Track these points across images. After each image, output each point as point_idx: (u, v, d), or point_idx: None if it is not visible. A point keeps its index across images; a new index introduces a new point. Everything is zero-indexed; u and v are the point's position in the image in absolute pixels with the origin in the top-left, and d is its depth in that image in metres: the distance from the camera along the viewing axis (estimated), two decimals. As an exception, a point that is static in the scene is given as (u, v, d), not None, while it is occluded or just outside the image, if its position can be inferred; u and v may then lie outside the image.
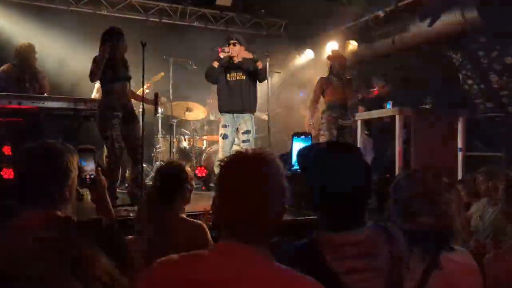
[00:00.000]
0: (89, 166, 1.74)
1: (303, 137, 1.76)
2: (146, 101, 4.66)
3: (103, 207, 1.77)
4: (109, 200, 1.82)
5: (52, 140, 1.63)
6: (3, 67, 5.04)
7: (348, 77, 5.74)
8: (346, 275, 1.25)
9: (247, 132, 5.29)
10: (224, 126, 5.27)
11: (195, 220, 2.48)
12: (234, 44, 5.18)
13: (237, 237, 1.13)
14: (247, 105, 5.29)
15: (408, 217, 1.57)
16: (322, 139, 5.58)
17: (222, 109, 5.34)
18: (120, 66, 4.39)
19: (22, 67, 5.03)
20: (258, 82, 5.33)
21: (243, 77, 5.26)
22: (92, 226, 1.52)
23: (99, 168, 1.78)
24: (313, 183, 1.38)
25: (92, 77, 4.34)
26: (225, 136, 5.24)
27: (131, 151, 4.47)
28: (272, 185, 1.15)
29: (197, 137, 6.86)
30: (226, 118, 5.28)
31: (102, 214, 1.71)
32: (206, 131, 7.04)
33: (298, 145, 1.76)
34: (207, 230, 2.36)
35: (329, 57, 6.09)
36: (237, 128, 5.31)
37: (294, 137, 1.76)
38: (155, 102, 4.60)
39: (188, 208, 2.59)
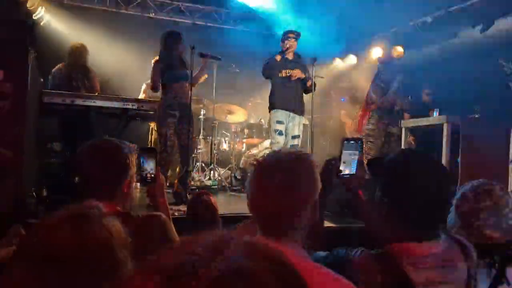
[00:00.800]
0: (150, 165, 1.81)
1: (353, 142, 1.73)
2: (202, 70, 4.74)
3: (161, 205, 1.82)
4: (166, 199, 1.88)
5: (108, 137, 1.69)
6: (58, 66, 5.27)
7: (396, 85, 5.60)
8: (424, 286, 1.23)
9: (297, 136, 5.20)
10: (280, 122, 5.11)
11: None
12: (295, 39, 5.11)
13: (264, 231, 1.15)
14: (301, 106, 5.21)
15: (473, 229, 1.53)
16: (370, 146, 5.47)
17: (277, 106, 5.16)
18: (178, 66, 4.53)
19: (74, 66, 5.25)
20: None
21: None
22: (151, 221, 1.56)
23: (159, 167, 1.85)
24: (390, 192, 1.35)
25: (153, 89, 4.65)
26: (280, 133, 5.11)
27: (182, 150, 4.59)
28: (300, 182, 1.16)
29: (237, 140, 6.91)
30: (281, 114, 5.13)
31: (160, 211, 1.75)
32: (246, 134, 7.07)
33: (348, 151, 1.73)
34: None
35: (379, 60, 5.93)
36: (286, 128, 5.18)
37: (345, 142, 1.73)
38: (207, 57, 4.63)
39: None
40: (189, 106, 4.51)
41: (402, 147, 5.75)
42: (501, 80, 6.71)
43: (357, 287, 1.23)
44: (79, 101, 4.65)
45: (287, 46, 5.07)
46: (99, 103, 4.77)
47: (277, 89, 5.14)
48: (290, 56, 5.16)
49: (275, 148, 5.04)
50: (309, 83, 5.15)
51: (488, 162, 5.21)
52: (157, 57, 4.66)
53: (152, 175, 1.82)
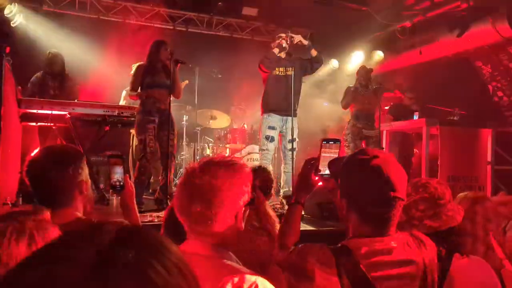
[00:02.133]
0: (118, 173, 1.79)
1: (332, 142, 1.75)
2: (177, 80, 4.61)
3: (130, 213, 1.81)
4: (136, 206, 1.87)
5: (73, 144, 1.70)
6: (37, 74, 5.22)
7: (375, 87, 5.65)
8: (380, 281, 1.26)
9: (294, 140, 4.94)
10: (272, 127, 4.94)
11: None
12: (287, 38, 5.00)
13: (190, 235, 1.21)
14: (294, 107, 4.93)
15: (415, 220, 1.64)
16: (347, 150, 5.53)
17: (270, 109, 4.98)
18: (160, 73, 4.52)
19: (51, 74, 5.20)
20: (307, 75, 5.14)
21: (292, 72, 4.97)
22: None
23: (127, 175, 1.83)
24: (347, 190, 1.40)
25: (132, 89, 4.61)
26: (272, 139, 4.95)
27: (163, 157, 4.56)
28: (219, 188, 1.18)
29: (221, 145, 6.91)
30: (273, 119, 4.96)
31: (128, 220, 1.75)
32: (229, 139, 7.08)
33: (327, 151, 1.75)
34: None
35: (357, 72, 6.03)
36: (281, 132, 5.03)
37: (323, 142, 1.75)
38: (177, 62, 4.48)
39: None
40: (168, 113, 4.50)
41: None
42: (479, 83, 6.86)
43: (314, 280, 1.26)
44: (57, 109, 4.60)
45: (281, 42, 4.99)
46: (78, 110, 4.73)
47: (271, 89, 5.01)
48: (283, 55, 5.07)
49: (264, 155, 5.00)
50: (314, 52, 5.05)
51: (466, 164, 5.31)
52: (139, 63, 4.65)
53: (121, 183, 1.81)
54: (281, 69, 5.02)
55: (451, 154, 5.22)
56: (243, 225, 1.27)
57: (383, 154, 1.42)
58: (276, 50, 4.99)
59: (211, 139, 7.10)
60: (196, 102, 6.74)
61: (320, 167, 1.69)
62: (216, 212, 1.19)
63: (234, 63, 6.93)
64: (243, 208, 1.24)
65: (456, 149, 5.27)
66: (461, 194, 2.04)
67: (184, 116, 6.69)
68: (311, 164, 1.70)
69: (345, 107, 5.72)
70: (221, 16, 7.76)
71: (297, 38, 4.98)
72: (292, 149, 4.92)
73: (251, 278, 1.06)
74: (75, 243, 0.51)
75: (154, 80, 4.48)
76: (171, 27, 7.59)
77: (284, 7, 7.25)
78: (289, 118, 4.91)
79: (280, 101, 4.93)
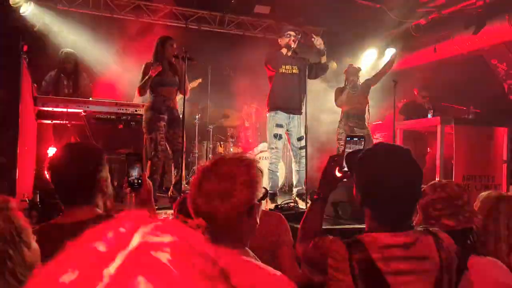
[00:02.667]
0: (136, 171, 1.81)
1: (357, 139, 1.76)
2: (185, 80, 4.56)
3: (148, 210, 1.82)
4: (153, 204, 1.88)
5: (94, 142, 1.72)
6: (51, 72, 5.27)
7: (364, 80, 5.70)
8: (393, 275, 1.26)
9: (302, 138, 4.87)
10: (279, 125, 4.86)
11: None
12: (295, 36, 4.92)
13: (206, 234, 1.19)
14: (300, 104, 4.90)
15: (431, 219, 1.67)
16: (341, 148, 5.49)
17: (276, 107, 4.90)
18: (167, 71, 4.51)
19: (65, 72, 5.24)
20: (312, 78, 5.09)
21: (297, 71, 4.96)
22: None
23: (145, 173, 1.85)
24: (361, 185, 1.40)
25: (140, 93, 4.58)
26: (279, 137, 4.87)
27: (175, 154, 4.57)
28: (236, 187, 1.19)
29: (233, 144, 6.92)
30: (280, 116, 4.87)
31: None
32: (241, 137, 7.08)
33: (351, 147, 1.76)
34: None
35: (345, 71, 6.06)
36: (287, 131, 4.97)
37: (348, 139, 1.76)
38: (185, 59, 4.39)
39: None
40: (177, 110, 4.53)
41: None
42: (495, 80, 6.77)
43: (327, 273, 1.26)
44: (72, 107, 4.64)
45: (290, 42, 4.90)
46: (93, 108, 4.77)
47: (277, 87, 4.93)
48: (289, 53, 4.98)
49: (273, 154, 4.95)
50: (324, 58, 5.00)
51: (482, 162, 5.24)
52: (147, 62, 4.61)
53: (139, 181, 1.82)
54: (287, 67, 4.95)
55: (466, 153, 5.16)
56: (258, 220, 1.29)
57: (399, 150, 1.42)
58: (284, 50, 4.94)
59: (223, 137, 7.11)
60: (208, 100, 6.75)
61: (344, 164, 1.70)
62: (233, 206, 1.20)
63: (246, 61, 6.92)
64: (258, 203, 1.26)
65: (471, 148, 5.21)
66: (484, 193, 2.02)
67: (197, 114, 6.70)
68: (335, 161, 1.70)
69: (340, 105, 5.74)
70: (233, 14, 7.76)
71: (318, 41, 4.89)
72: (302, 147, 4.87)
73: None
74: None
75: (162, 78, 4.47)
76: (184, 25, 7.60)
77: (296, 5, 7.23)
78: (296, 116, 4.91)
79: (286, 99, 4.88)
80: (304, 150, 4.84)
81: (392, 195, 1.32)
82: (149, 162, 4.55)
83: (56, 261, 0.48)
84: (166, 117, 4.52)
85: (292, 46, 4.89)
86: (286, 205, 4.06)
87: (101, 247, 0.48)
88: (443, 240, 1.36)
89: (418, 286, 1.29)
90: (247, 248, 1.27)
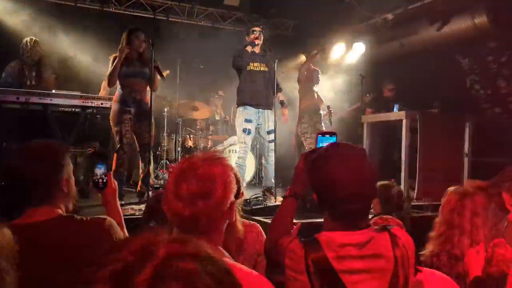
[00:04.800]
0: (101, 170, 1.78)
1: (328, 136, 1.76)
2: (154, 75, 4.45)
3: (112, 211, 1.79)
4: (118, 204, 1.86)
5: (56, 136, 1.67)
6: (11, 63, 5.06)
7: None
8: (348, 274, 1.28)
9: (272, 131, 4.97)
10: (248, 120, 4.90)
11: None
12: (261, 33, 5.03)
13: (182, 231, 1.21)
14: (270, 99, 5.01)
15: None
16: (310, 142, 5.57)
17: (246, 102, 4.96)
18: (134, 62, 4.40)
19: (26, 63, 5.04)
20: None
21: (266, 69, 5.06)
22: (95, 225, 1.54)
23: (110, 173, 1.82)
24: (317, 184, 1.41)
25: (108, 84, 4.46)
26: (249, 132, 4.91)
27: (142, 148, 4.49)
28: (215, 187, 1.21)
29: (202, 137, 6.87)
30: (249, 111, 4.93)
31: (112, 215, 1.72)
32: (211, 130, 7.05)
33: (323, 144, 1.76)
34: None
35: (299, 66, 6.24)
36: (257, 125, 5.03)
37: (319, 136, 1.76)
38: (158, 72, 4.40)
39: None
40: (145, 103, 4.43)
41: (364, 142, 5.89)
42: (459, 76, 6.96)
43: (285, 272, 1.28)
44: (34, 99, 4.49)
45: (255, 39, 4.97)
46: (56, 100, 4.62)
47: (246, 83, 4.98)
48: (257, 49, 5.05)
49: (242, 149, 4.98)
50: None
51: (445, 155, 5.40)
52: (115, 54, 4.50)
53: (104, 180, 1.79)
54: (255, 64, 5.02)
55: (430, 145, 5.29)
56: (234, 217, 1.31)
57: (353, 150, 1.43)
58: (249, 48, 5.01)
59: (193, 130, 7.05)
60: (177, 93, 6.67)
61: None
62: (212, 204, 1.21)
63: (216, 53, 6.87)
64: (235, 199, 1.28)
65: (435, 141, 5.35)
66: (451, 188, 2.08)
67: (166, 107, 6.61)
68: (308, 158, 1.70)
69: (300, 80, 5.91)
70: (203, 6, 7.67)
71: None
72: (271, 141, 4.95)
73: None
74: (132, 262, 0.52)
75: (129, 70, 4.35)
76: (152, 16, 7.46)
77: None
78: (265, 111, 5.00)
79: (255, 95, 4.96)
80: (273, 144, 4.92)
81: (346, 195, 1.33)
82: (114, 155, 4.45)
83: (88, 272, 0.51)
84: (133, 110, 4.41)
85: (256, 43, 4.97)
86: (255, 199, 4.07)
87: (129, 257, 0.52)
88: (400, 237, 1.38)
89: (373, 284, 1.30)
90: (221, 248, 1.27)
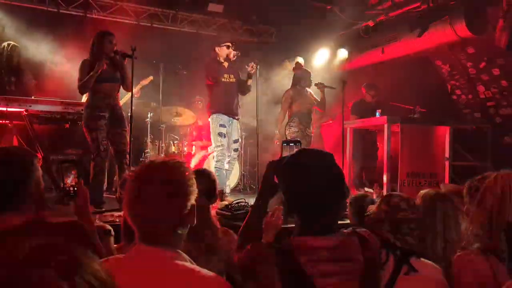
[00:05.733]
0: (70, 178, 1.76)
1: (293, 144, 1.78)
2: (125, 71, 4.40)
3: (85, 218, 1.78)
4: (89, 210, 1.86)
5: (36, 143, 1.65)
6: (-10, 69, 5.00)
7: (316, 83, 5.90)
8: (320, 277, 1.29)
9: (237, 141, 5.36)
10: (223, 125, 5.15)
11: None
12: (233, 48, 5.25)
13: (143, 239, 1.23)
14: (237, 110, 5.34)
15: (398, 235, 1.74)
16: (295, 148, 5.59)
17: (220, 110, 5.18)
18: (107, 67, 4.32)
19: (6, 69, 4.98)
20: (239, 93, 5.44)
21: (234, 80, 5.31)
22: (64, 228, 1.53)
23: (81, 180, 1.80)
24: (287, 190, 1.44)
25: (81, 92, 4.41)
26: (224, 135, 5.16)
27: (118, 155, 4.41)
28: (175, 190, 1.23)
29: (186, 142, 6.85)
30: (223, 118, 5.18)
31: (84, 222, 1.71)
32: (195, 136, 7.03)
33: (288, 152, 1.78)
34: None
35: (294, 69, 6.25)
36: (226, 132, 5.26)
37: (284, 144, 1.78)
38: (122, 55, 4.33)
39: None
40: (119, 108, 4.39)
41: (348, 146, 5.94)
42: (439, 81, 7.08)
43: (257, 278, 1.29)
44: (14, 106, 4.43)
45: (230, 55, 5.21)
46: (36, 107, 4.57)
47: (219, 93, 5.18)
48: (226, 64, 5.27)
49: (219, 152, 5.17)
50: (250, 81, 5.33)
51: (426, 160, 5.48)
52: (84, 59, 4.37)
53: (75, 188, 1.78)
54: (225, 75, 5.26)
55: (411, 151, 5.37)
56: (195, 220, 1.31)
57: (321, 155, 1.45)
58: (224, 62, 5.23)
59: (176, 136, 7.02)
60: (160, 98, 6.64)
61: None
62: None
63: (199, 59, 6.87)
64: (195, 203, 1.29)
65: (416, 146, 5.43)
66: (423, 191, 2.10)
67: (149, 113, 6.58)
68: (273, 167, 1.71)
69: (286, 110, 5.86)
70: (186, 12, 7.67)
71: (252, 67, 5.18)
72: (236, 149, 5.35)
73: None
74: None
75: (101, 75, 4.23)
76: (135, 22, 7.43)
77: (249, 4, 7.25)
78: (234, 120, 5.31)
79: (227, 104, 5.22)
80: (237, 152, 5.40)
81: (315, 200, 1.36)
82: (92, 163, 4.35)
83: None
84: (107, 115, 4.31)
85: (231, 59, 5.23)
86: (236, 204, 4.06)
87: None
88: (368, 240, 1.40)
89: (345, 286, 1.32)
90: (180, 252, 1.27)
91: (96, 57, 4.26)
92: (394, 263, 1.63)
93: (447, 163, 5.56)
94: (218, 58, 5.24)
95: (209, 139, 6.88)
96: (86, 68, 4.25)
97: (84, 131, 4.30)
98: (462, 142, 6.03)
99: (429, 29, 5.85)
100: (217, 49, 5.26)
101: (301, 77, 5.89)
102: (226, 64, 5.24)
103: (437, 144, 5.64)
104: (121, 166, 4.41)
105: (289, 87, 5.96)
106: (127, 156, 4.35)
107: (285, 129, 5.81)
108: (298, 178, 1.40)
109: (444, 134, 5.64)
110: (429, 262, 1.75)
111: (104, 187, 4.73)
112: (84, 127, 4.31)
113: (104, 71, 4.25)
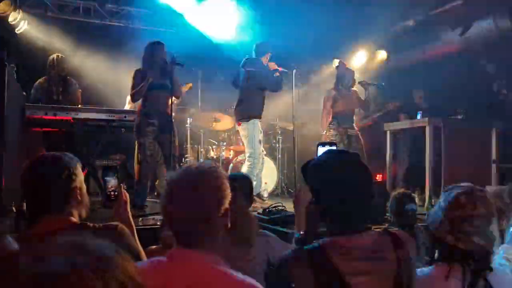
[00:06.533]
0: (112, 183, 1.84)
1: (328, 146, 1.78)
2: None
3: (124, 222, 1.84)
4: (130, 214, 1.93)
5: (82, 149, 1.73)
6: (39, 80, 5.28)
7: (359, 82, 5.79)
8: (353, 276, 1.29)
9: (261, 142, 5.35)
10: (260, 131, 5.23)
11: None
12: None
13: (179, 242, 1.27)
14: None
15: (461, 234, 1.53)
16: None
17: (256, 115, 5.21)
18: (157, 75, 4.50)
19: (53, 79, 5.24)
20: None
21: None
22: (106, 231, 1.59)
23: (122, 185, 1.88)
24: (315, 191, 1.46)
25: (133, 99, 4.64)
26: (261, 142, 5.22)
27: (166, 160, 4.58)
28: (209, 194, 1.26)
29: (224, 147, 6.93)
30: (258, 123, 5.23)
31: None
32: (233, 141, 7.10)
33: None
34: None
35: (337, 68, 6.10)
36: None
37: (319, 146, 1.78)
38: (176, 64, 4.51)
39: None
40: (169, 115, 4.51)
41: (388, 148, 5.83)
42: (484, 81, 6.81)
43: (292, 283, 1.29)
44: (62, 114, 4.66)
45: (266, 61, 5.25)
46: (82, 115, 4.78)
47: (253, 97, 5.22)
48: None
49: (255, 158, 5.15)
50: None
51: (471, 162, 5.27)
52: (136, 69, 4.63)
53: (116, 193, 1.85)
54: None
55: (455, 152, 5.19)
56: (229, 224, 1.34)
57: (347, 155, 1.46)
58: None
59: (215, 141, 7.13)
60: (199, 104, 6.78)
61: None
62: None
63: (236, 65, 6.96)
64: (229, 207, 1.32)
65: (460, 148, 5.24)
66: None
67: (188, 118, 6.73)
68: (305, 167, 1.64)
69: (324, 120, 5.79)
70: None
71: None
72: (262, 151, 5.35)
73: None
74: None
75: (152, 83, 4.45)
76: (173, 31, 7.62)
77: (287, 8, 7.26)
78: (259, 122, 5.32)
79: (259, 109, 5.27)
80: (264, 152, 5.39)
81: (345, 199, 1.37)
82: (138, 167, 4.56)
83: None
84: (156, 121, 4.51)
85: (270, 67, 5.28)
86: (274, 208, 4.08)
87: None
88: (401, 239, 1.40)
89: (378, 285, 1.33)
90: (217, 255, 1.30)
91: (148, 66, 4.47)
92: (464, 277, 1.48)
93: (494, 165, 5.34)
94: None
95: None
96: (138, 76, 4.49)
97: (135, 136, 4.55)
98: (509, 143, 5.76)
99: (472, 27, 5.66)
100: (261, 57, 5.30)
101: (343, 76, 5.78)
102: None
103: (483, 146, 5.42)
104: (167, 170, 4.58)
105: (332, 87, 5.87)
106: (174, 160, 4.54)
107: (325, 132, 5.78)
108: (323, 179, 1.42)
109: (490, 135, 5.42)
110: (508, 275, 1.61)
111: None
112: (134, 132, 4.56)
113: (155, 79, 4.44)
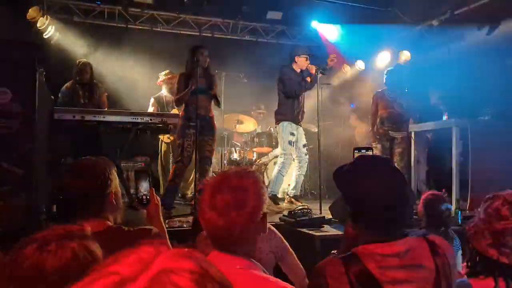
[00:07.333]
0: (144, 187, 1.86)
1: (364, 150, 1.77)
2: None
3: (156, 225, 1.87)
4: (162, 218, 1.96)
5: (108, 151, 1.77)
6: (66, 84, 5.39)
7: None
8: (390, 284, 1.26)
9: (305, 145, 5.41)
10: (292, 134, 5.24)
11: None
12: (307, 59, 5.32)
13: (215, 245, 1.28)
14: (302, 117, 5.44)
15: (507, 248, 1.49)
16: (374, 151, 5.50)
17: (289, 118, 5.27)
18: (200, 79, 4.60)
19: (80, 83, 5.35)
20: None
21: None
22: (141, 235, 1.62)
23: (153, 189, 1.90)
24: (349, 197, 1.43)
25: (176, 104, 4.97)
26: (293, 144, 5.26)
27: (202, 161, 4.74)
28: (247, 198, 1.26)
29: (247, 149, 6.95)
30: (292, 126, 5.26)
31: None
32: (256, 143, 7.11)
33: None
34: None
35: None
36: (296, 139, 5.34)
37: (355, 151, 1.77)
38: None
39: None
40: (209, 118, 4.79)
41: (412, 150, 5.74)
42: (510, 80, 6.64)
43: None
44: (89, 117, 4.75)
45: (309, 67, 5.23)
46: (108, 118, 4.86)
47: (291, 102, 5.27)
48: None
49: (287, 158, 5.23)
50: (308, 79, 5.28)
51: (499, 164, 5.14)
52: (180, 73, 4.81)
53: (147, 197, 1.88)
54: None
55: (482, 154, 5.07)
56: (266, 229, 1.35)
57: (380, 160, 1.43)
58: (298, 71, 5.30)
59: (238, 143, 7.16)
60: (222, 106, 6.81)
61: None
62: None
63: (259, 67, 6.99)
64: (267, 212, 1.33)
65: (488, 150, 5.11)
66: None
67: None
68: (338, 173, 1.59)
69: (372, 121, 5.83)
70: (246, 21, 7.83)
71: (332, 60, 5.23)
72: (306, 154, 5.39)
73: None
74: None
75: (194, 88, 4.57)
76: (197, 34, 7.70)
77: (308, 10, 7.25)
78: (299, 127, 5.38)
79: (295, 113, 5.29)
80: (307, 156, 5.38)
81: (380, 205, 1.33)
82: (173, 167, 4.78)
83: (83, 283, 0.51)
84: (196, 124, 4.59)
85: (312, 73, 5.21)
86: (300, 211, 4.05)
87: (124, 270, 0.51)
88: (439, 246, 1.35)
89: None
90: (254, 260, 1.30)
91: (191, 69, 4.60)
92: None
93: (523, 167, 5.19)
94: (294, 68, 5.28)
95: (269, 146, 6.99)
96: (182, 81, 4.68)
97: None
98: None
99: (499, 26, 5.53)
100: (296, 58, 5.28)
101: (389, 77, 5.85)
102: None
103: (510, 147, 5.27)
104: (203, 171, 4.67)
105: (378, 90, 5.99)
106: (210, 162, 4.79)
107: (371, 133, 5.85)
108: (356, 185, 1.38)
109: (519, 136, 5.27)
110: None
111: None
112: (176, 133, 4.85)
113: (198, 84, 4.57)
